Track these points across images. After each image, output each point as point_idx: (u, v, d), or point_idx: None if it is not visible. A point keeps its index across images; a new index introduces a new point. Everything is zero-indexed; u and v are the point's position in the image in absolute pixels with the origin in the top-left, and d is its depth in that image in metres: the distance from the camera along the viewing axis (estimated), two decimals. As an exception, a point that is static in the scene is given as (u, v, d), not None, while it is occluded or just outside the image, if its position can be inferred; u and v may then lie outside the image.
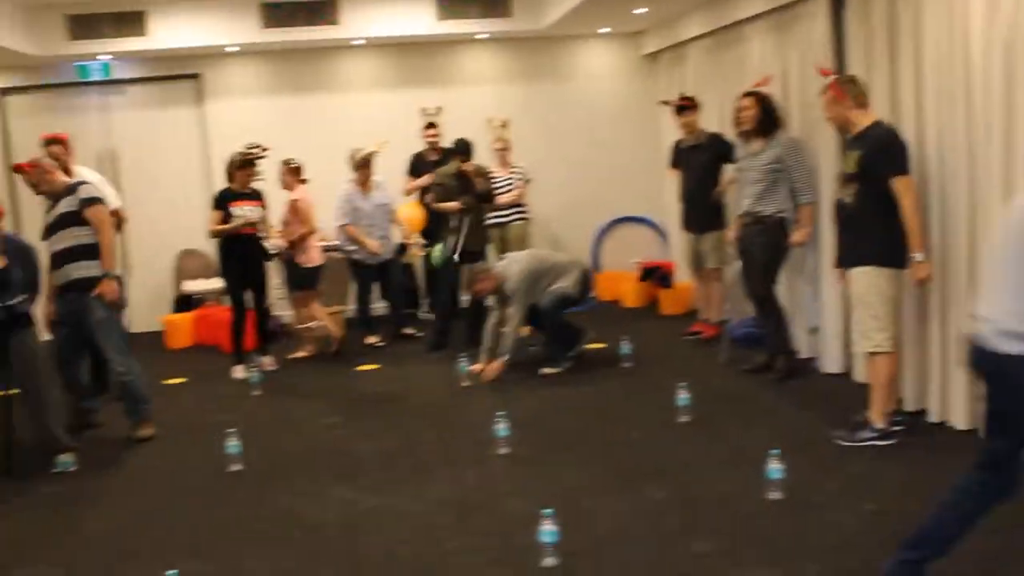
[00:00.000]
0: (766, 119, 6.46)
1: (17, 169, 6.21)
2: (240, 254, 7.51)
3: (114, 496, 5.24)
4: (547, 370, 7.14)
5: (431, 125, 9.31)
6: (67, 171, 6.70)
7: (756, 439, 5.25)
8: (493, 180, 8.46)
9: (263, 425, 6.32)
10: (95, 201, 5.98)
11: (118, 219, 7.02)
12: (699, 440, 5.43)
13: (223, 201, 7.49)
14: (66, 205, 5.92)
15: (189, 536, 4.57)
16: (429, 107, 9.36)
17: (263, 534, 4.54)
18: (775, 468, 4.47)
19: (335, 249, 8.53)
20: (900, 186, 4.95)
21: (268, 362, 7.84)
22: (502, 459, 5.32)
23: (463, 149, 7.99)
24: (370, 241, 8.32)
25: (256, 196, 7.58)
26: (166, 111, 9.95)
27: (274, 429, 6.23)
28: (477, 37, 9.86)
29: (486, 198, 8.10)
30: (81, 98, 9.88)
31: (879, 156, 5.00)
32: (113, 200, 6.93)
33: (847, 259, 5.28)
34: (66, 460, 5.60)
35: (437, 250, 8.15)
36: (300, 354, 8.17)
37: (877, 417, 5.15)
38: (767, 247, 6.51)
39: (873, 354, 5.17)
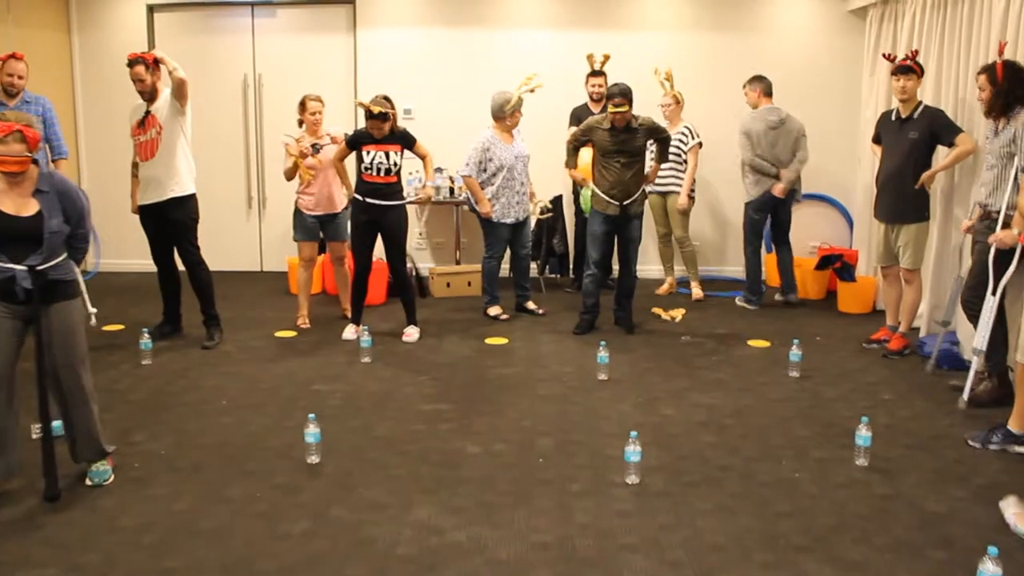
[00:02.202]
0: (1007, 93, 5.22)
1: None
2: (375, 200, 6.68)
3: (156, 501, 4.50)
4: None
5: (597, 73, 8.23)
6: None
7: (962, 508, 4.09)
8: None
9: (359, 403, 5.51)
10: None
11: None
12: (882, 496, 4.29)
13: (356, 143, 6.70)
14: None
15: (230, 554, 3.78)
16: (595, 54, 8.26)
17: (316, 559, 3.68)
18: None
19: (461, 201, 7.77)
20: None
21: (411, 331, 7.00)
22: (627, 491, 4.31)
23: (617, 93, 6.82)
24: (484, 201, 7.42)
25: (399, 140, 6.69)
26: (316, 37, 9.26)
27: (370, 410, 5.40)
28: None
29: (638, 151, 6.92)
30: (230, 18, 9.28)
31: None
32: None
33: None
34: (103, 470, 4.40)
35: (586, 196, 7.14)
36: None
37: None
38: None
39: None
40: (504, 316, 7.64)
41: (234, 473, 4.53)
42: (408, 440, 4.94)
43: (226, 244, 9.30)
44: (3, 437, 4.15)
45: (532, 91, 7.40)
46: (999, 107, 5.43)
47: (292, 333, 7.12)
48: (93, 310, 4.70)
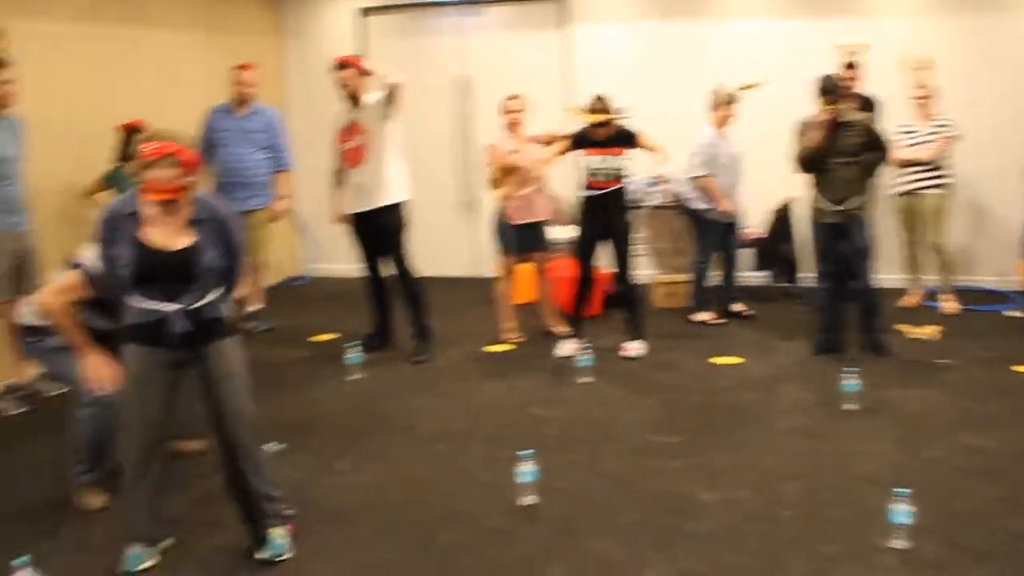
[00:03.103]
0: None
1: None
2: (600, 207, 6.21)
3: (358, 547, 4.13)
4: None
5: (850, 66, 7.41)
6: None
7: None
8: (911, 134, 6.52)
9: (579, 432, 5.02)
10: None
11: None
12: None
13: (581, 141, 6.23)
14: None
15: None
16: (849, 44, 7.37)
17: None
18: None
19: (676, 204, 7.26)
20: None
21: (634, 347, 6.45)
22: (894, 558, 3.62)
23: (828, 89, 6.03)
24: (726, 199, 6.92)
25: (620, 142, 6.17)
26: (525, 35, 8.84)
27: (592, 440, 4.90)
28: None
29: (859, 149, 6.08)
30: (438, 19, 9.03)
31: None
32: None
33: None
34: (280, 543, 3.76)
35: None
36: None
37: None
38: None
39: None
40: (716, 321, 7.14)
41: (442, 514, 4.12)
42: (636, 478, 4.40)
43: (437, 249, 9.04)
44: (157, 490, 3.73)
45: (750, 87, 6.79)
46: None
47: (503, 348, 6.72)
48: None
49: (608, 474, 4.47)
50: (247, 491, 3.71)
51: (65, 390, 5.19)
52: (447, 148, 9.17)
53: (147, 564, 3.71)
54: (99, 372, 3.95)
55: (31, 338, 4.42)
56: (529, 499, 4.15)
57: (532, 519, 4.02)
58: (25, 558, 3.35)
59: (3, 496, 4.49)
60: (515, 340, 6.82)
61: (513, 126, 6.66)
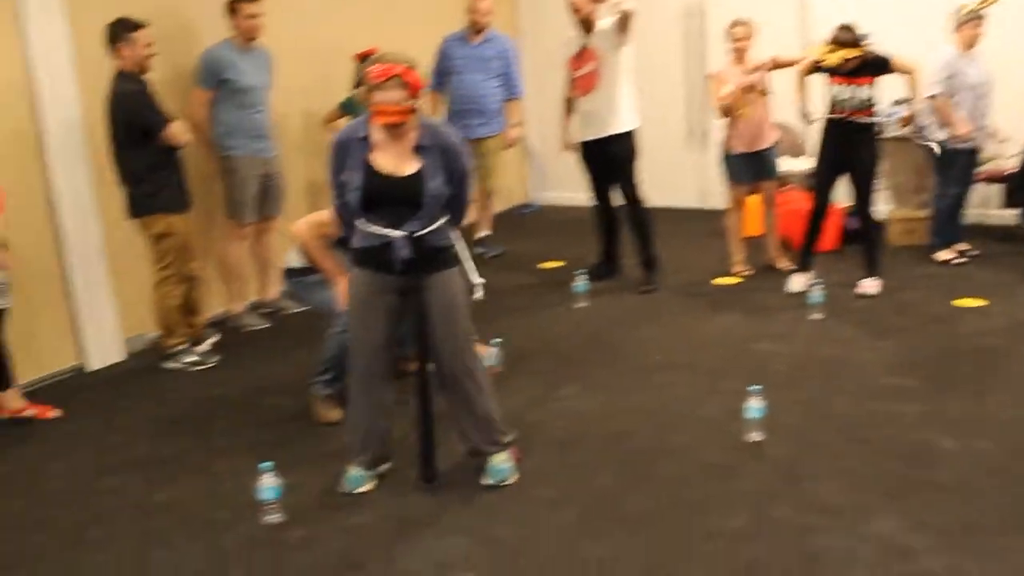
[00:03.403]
0: None
1: None
2: (843, 138, 5.90)
3: (578, 470, 4.16)
4: None
5: None
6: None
7: None
8: None
9: (808, 371, 4.85)
10: None
11: None
12: None
13: (822, 70, 5.90)
14: None
15: (652, 551, 3.35)
16: None
17: (751, 569, 3.14)
18: None
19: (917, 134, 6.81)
20: None
21: (870, 284, 6.12)
22: None
23: None
24: (960, 122, 6.34)
25: (870, 70, 5.77)
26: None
27: (821, 381, 4.72)
28: None
29: None
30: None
31: None
32: None
33: None
34: (503, 467, 3.81)
35: None
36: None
37: None
38: None
39: None
40: (959, 260, 6.67)
41: (663, 445, 4.10)
42: (866, 423, 4.21)
43: (665, 180, 8.87)
44: (378, 414, 3.81)
45: (991, 3, 6.25)
46: None
47: (732, 281, 6.56)
48: (480, 281, 4.08)
49: (837, 416, 4.30)
50: (470, 417, 3.76)
51: (304, 309, 5.52)
52: (677, 77, 8.94)
53: (365, 488, 3.82)
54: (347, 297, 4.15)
55: (294, 277, 4.69)
56: (754, 436, 4.05)
57: (756, 457, 3.93)
58: (270, 463, 3.59)
59: (247, 406, 4.82)
60: (743, 273, 6.65)
61: (739, 54, 6.38)
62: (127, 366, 5.52)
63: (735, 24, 6.37)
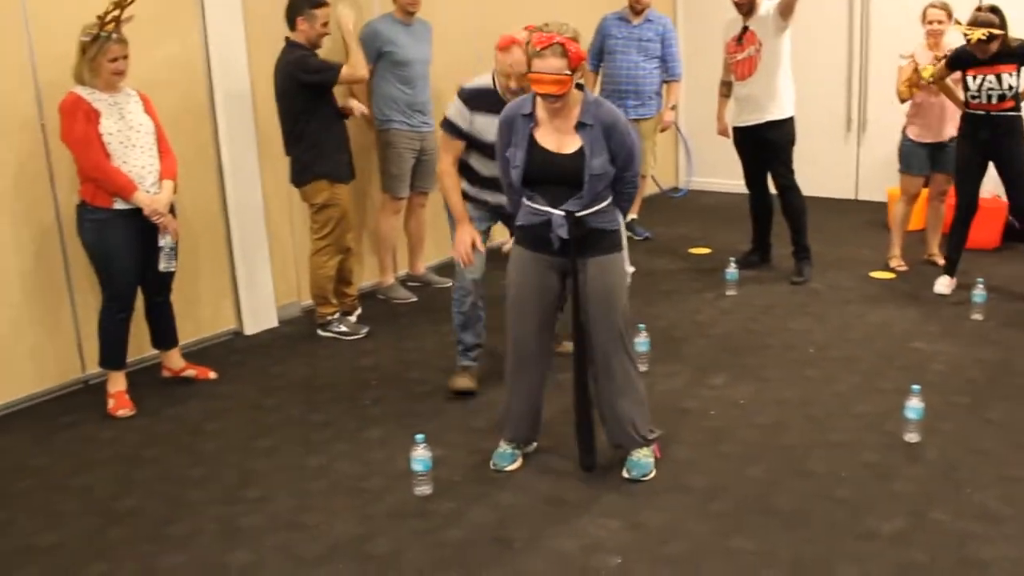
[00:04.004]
0: None
1: None
2: (985, 131, 5.57)
3: (729, 460, 4.10)
4: None
5: None
6: None
7: None
8: None
9: (968, 373, 4.67)
10: None
11: None
12: None
13: (958, 61, 5.58)
14: None
15: (805, 547, 3.28)
16: None
17: (907, 573, 3.06)
18: None
19: None
20: None
21: None
22: None
23: None
24: None
25: (1015, 58, 5.41)
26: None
27: (982, 384, 4.53)
28: None
29: None
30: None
31: None
32: None
33: None
34: (644, 462, 3.72)
35: None
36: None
37: None
38: None
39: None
40: None
41: (817, 441, 4.01)
42: (1032, 430, 4.05)
43: (820, 169, 8.64)
44: (531, 394, 3.79)
45: None
46: None
47: (889, 275, 6.35)
48: (631, 269, 3.85)
49: (997, 422, 4.13)
50: (616, 411, 3.69)
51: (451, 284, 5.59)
52: (837, 65, 8.67)
53: (514, 466, 3.84)
54: (463, 245, 4.24)
55: None
56: (912, 436, 3.93)
57: (913, 458, 3.81)
58: (422, 435, 3.66)
59: (396, 377, 4.92)
60: (900, 268, 6.42)
61: (934, 37, 6.10)
62: (281, 332, 5.70)
63: (932, 6, 6.10)
